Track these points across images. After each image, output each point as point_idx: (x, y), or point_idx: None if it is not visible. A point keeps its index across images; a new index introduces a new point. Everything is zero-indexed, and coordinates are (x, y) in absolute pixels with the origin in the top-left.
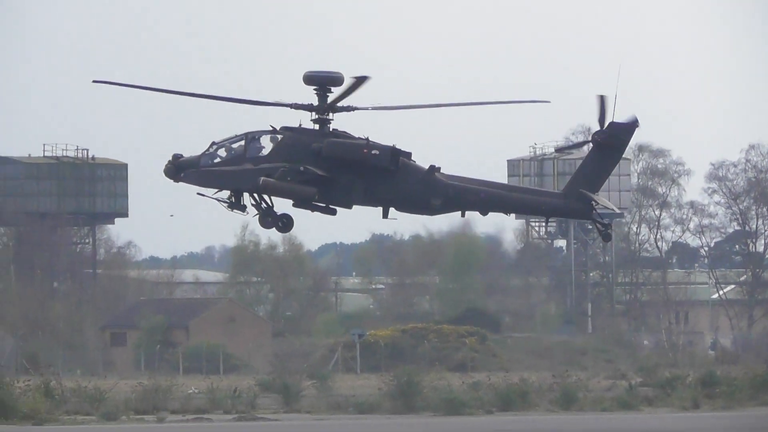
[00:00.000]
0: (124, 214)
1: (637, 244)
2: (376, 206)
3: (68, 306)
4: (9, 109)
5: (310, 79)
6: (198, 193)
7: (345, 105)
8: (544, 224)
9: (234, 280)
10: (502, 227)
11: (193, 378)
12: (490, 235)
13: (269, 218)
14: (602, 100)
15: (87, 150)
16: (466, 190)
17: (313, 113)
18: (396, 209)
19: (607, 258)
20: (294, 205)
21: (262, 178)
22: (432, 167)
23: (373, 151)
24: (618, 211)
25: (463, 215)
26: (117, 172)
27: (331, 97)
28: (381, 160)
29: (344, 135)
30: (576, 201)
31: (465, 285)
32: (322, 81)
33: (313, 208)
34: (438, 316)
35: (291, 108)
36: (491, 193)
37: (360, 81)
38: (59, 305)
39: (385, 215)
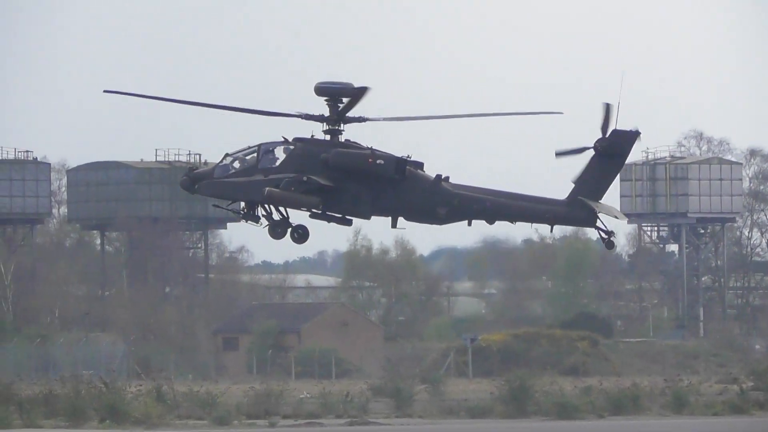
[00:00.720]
0: (237, 219)
1: (748, 249)
2: (384, 216)
3: (180, 310)
4: (121, 114)
5: (321, 90)
6: (213, 204)
7: (356, 116)
8: (656, 228)
9: (346, 285)
10: (614, 231)
11: (305, 382)
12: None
13: (279, 229)
14: (608, 108)
15: (199, 155)
16: (472, 199)
17: (325, 124)
18: (404, 218)
19: (719, 262)
20: (310, 216)
21: (267, 188)
22: (438, 176)
23: (377, 161)
24: (624, 218)
25: (469, 224)
26: None
27: (340, 108)
28: (386, 170)
29: (354, 146)
30: (580, 209)
31: (577, 289)
32: (332, 92)
33: (328, 219)
34: (550, 320)
35: (302, 119)
36: (497, 202)
37: (361, 92)
38: (171, 310)
39: (394, 225)
